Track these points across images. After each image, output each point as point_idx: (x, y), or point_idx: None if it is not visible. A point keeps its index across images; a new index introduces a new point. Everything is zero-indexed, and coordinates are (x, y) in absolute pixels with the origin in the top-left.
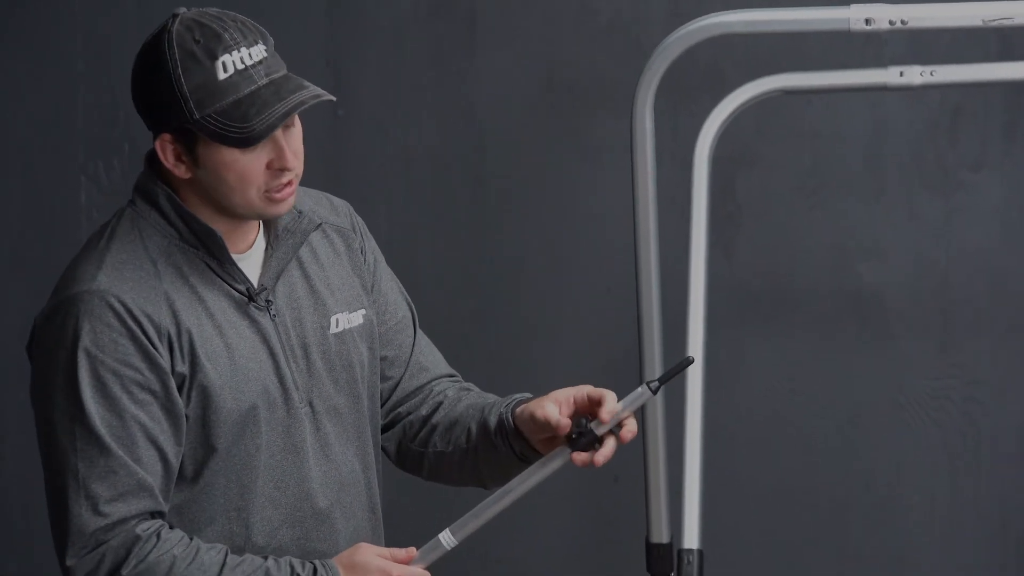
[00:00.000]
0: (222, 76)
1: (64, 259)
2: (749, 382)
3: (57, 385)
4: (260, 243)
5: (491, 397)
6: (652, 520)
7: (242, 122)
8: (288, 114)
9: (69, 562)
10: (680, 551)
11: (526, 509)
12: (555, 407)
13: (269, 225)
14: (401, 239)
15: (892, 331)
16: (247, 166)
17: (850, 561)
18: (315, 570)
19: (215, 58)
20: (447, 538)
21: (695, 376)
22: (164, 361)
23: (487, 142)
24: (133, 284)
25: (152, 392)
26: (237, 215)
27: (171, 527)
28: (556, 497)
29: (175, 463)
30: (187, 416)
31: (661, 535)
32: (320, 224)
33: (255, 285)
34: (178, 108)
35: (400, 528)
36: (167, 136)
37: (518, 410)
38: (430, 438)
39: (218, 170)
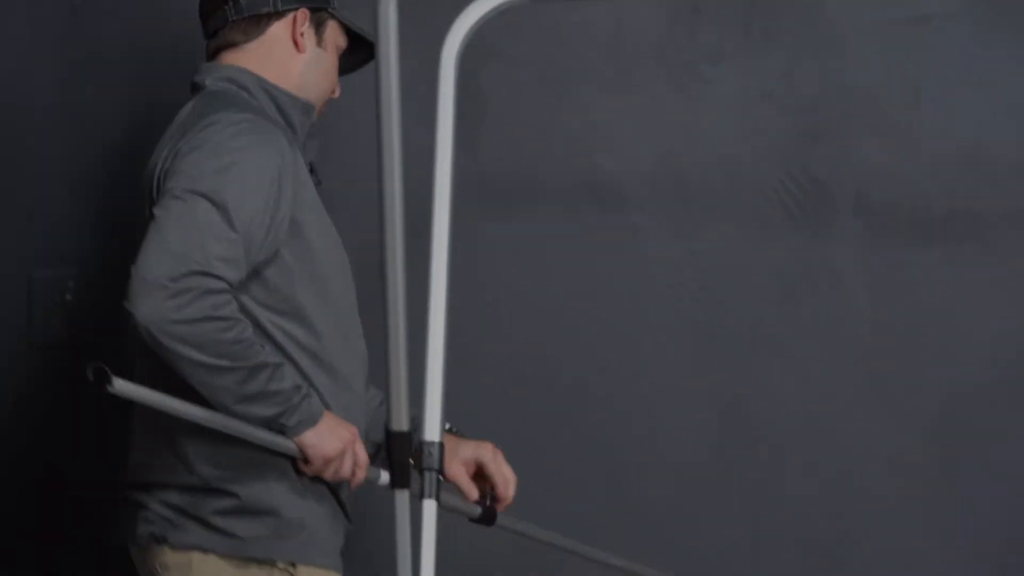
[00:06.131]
0: None
1: None
2: (493, 274)
3: (238, 166)
4: None
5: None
6: (392, 409)
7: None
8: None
9: (152, 274)
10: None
11: None
12: (465, 476)
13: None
14: None
15: (632, 221)
16: (336, 66)
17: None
18: (307, 395)
19: None
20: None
21: (439, 270)
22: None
23: None
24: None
25: (275, 212)
26: (310, 100)
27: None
28: None
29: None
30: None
31: (401, 423)
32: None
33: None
34: None
35: None
36: (307, 12)
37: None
38: None
39: (332, 54)
